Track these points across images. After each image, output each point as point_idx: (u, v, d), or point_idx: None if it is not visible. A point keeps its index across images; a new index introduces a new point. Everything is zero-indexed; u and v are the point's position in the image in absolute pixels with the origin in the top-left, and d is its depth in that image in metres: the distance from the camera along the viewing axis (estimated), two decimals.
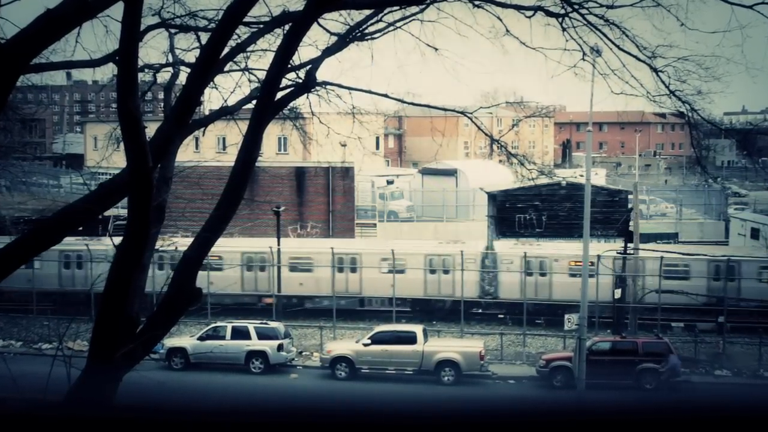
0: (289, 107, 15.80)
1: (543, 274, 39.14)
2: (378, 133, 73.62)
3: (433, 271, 39.97)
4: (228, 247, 37.67)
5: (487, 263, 41.12)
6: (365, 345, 32.96)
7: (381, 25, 14.17)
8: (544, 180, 33.47)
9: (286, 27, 11.65)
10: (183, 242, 16.26)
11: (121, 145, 8.67)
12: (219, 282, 36.99)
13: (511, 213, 47.69)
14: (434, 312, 40.42)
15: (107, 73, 20.25)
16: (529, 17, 13.19)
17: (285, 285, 40.62)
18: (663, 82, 13.64)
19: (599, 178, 68.72)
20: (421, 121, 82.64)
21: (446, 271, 39.83)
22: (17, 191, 58.71)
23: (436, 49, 14.89)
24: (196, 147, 47.30)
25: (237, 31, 11.50)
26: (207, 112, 17.51)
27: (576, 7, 12.86)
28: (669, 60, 13.50)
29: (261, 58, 15.50)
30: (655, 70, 13.53)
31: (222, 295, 37.24)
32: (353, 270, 40.38)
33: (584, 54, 13.72)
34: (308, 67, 13.47)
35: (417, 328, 33.80)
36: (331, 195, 51.04)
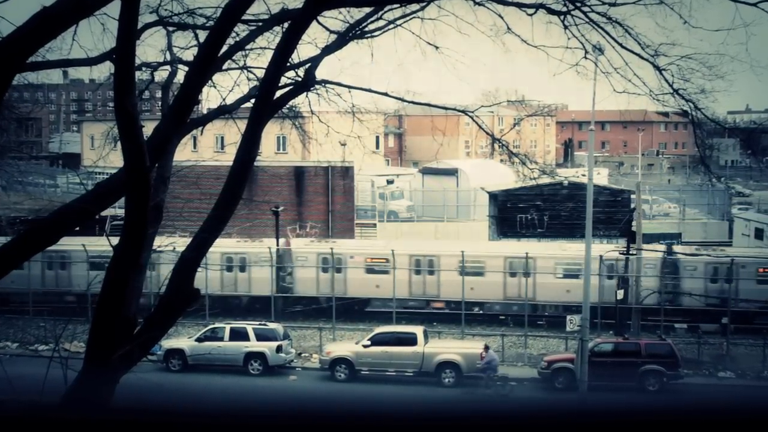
0: (288, 106, 15.80)
1: (339, 270, 40.66)
2: (378, 132, 73.65)
3: (230, 269, 41.18)
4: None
5: (285, 260, 41.97)
6: (365, 346, 32.97)
7: (381, 22, 14.18)
8: (545, 180, 33.42)
9: (285, 25, 11.65)
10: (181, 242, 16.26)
11: (118, 144, 8.65)
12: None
13: (513, 213, 47.71)
14: (232, 309, 41.12)
15: (104, 71, 20.30)
16: (531, 15, 13.18)
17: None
18: (666, 81, 13.63)
19: (601, 177, 68.73)
20: (421, 120, 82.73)
21: (243, 269, 41.51)
22: (13, 191, 58.69)
23: (437, 47, 14.89)
24: (194, 146, 47.30)
25: (235, 29, 11.50)
26: (205, 111, 17.54)
27: (578, 4, 12.86)
28: (672, 58, 13.50)
29: (260, 57, 15.51)
30: (658, 68, 13.52)
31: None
32: None
33: (586, 52, 13.71)
34: (307, 66, 13.47)
35: (417, 330, 33.81)
36: (330, 195, 51.03)
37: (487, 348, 32.19)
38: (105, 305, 9.21)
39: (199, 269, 10.64)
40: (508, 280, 39.66)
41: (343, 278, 40.60)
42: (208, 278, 35.85)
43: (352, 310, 40.94)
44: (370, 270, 40.92)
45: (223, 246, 37.40)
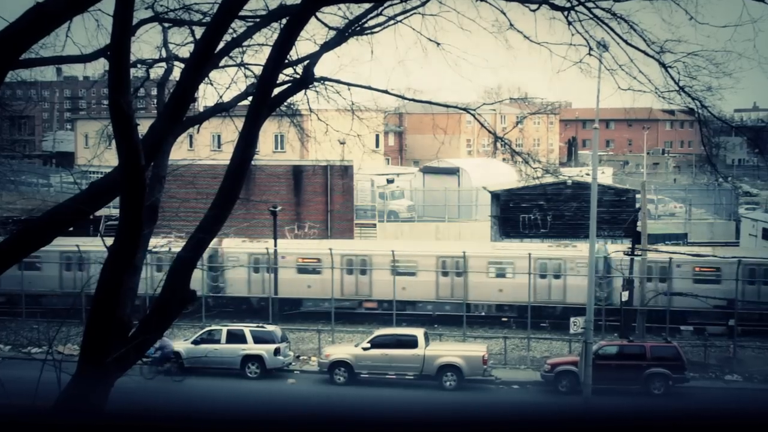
0: (286, 104, 15.81)
1: (268, 270, 41.39)
2: (378, 131, 73.62)
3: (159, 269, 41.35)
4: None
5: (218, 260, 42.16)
6: (365, 349, 32.96)
7: (381, 19, 14.18)
8: (549, 179, 33.50)
9: (284, 21, 11.65)
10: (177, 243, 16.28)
11: (113, 142, 8.65)
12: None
13: (516, 213, 47.68)
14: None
15: (99, 68, 20.29)
16: (534, 11, 13.17)
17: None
18: (672, 78, 13.63)
19: (606, 176, 68.75)
20: (422, 118, 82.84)
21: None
22: (6, 190, 58.75)
23: (438, 44, 14.90)
24: (190, 145, 47.28)
25: (232, 25, 11.51)
26: (201, 109, 17.54)
27: (582, 0, 12.86)
28: (678, 55, 13.49)
29: (257, 53, 15.52)
30: (663, 65, 13.51)
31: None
32: None
33: (591, 49, 13.71)
34: (306, 63, 13.47)
35: (418, 332, 33.80)
36: (329, 194, 51.03)
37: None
38: (99, 307, 9.22)
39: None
40: (441, 280, 40.21)
41: (275, 279, 40.89)
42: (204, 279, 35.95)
43: (283, 311, 41.24)
44: (302, 270, 41.42)
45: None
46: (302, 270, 41.42)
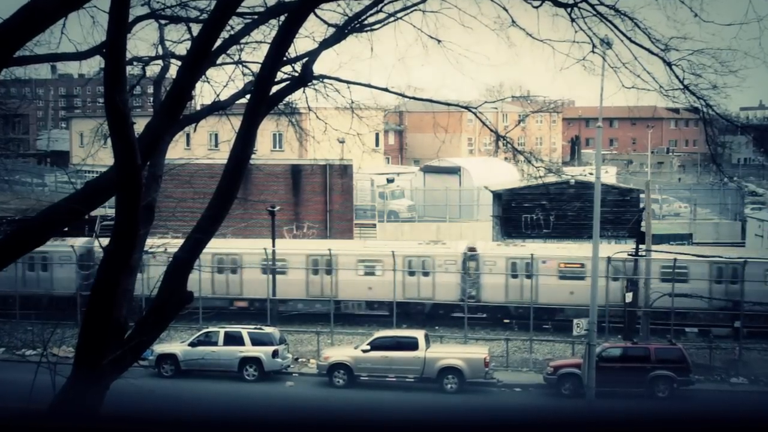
0: (284, 102, 15.80)
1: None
2: (378, 129, 73.65)
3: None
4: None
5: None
6: (364, 351, 32.97)
7: (381, 15, 14.16)
8: (551, 178, 33.47)
9: (282, 18, 11.65)
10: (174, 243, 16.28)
11: (109, 141, 8.65)
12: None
13: (518, 213, 47.71)
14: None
15: (94, 66, 20.27)
16: (536, 7, 13.17)
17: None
18: (676, 76, 13.62)
19: (609, 176, 68.76)
20: (422, 117, 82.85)
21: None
22: None
23: (439, 41, 14.89)
24: (187, 144, 47.31)
25: (230, 22, 11.50)
26: (198, 107, 17.51)
27: None
28: (683, 53, 13.48)
29: (255, 51, 15.51)
30: (668, 63, 13.51)
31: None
32: None
33: (594, 46, 13.71)
34: (305, 60, 13.47)
35: (419, 334, 33.81)
36: (328, 194, 51.03)
37: None
38: (95, 308, 9.22)
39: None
40: (310, 278, 40.73)
41: (146, 277, 40.71)
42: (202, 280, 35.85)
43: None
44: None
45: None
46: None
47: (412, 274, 40.08)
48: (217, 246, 41.74)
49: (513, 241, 44.44)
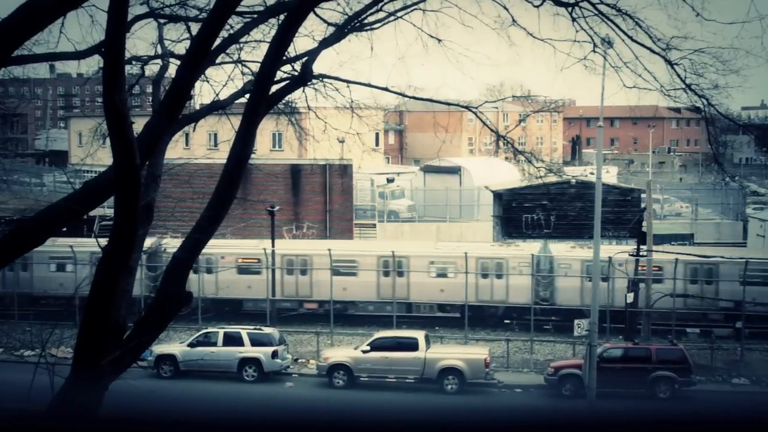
0: (284, 101, 15.80)
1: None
2: (378, 129, 73.64)
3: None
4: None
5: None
6: (364, 352, 32.97)
7: (381, 14, 14.16)
8: (552, 178, 33.44)
9: (281, 17, 11.64)
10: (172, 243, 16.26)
11: (107, 141, 8.64)
12: None
13: (518, 213, 47.70)
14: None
15: (93, 65, 20.22)
16: (537, 6, 13.17)
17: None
18: (678, 76, 13.63)
19: (611, 176, 68.76)
20: (423, 116, 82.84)
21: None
22: None
23: (440, 41, 14.88)
24: (186, 143, 47.31)
25: (229, 21, 11.50)
26: (198, 107, 17.52)
27: None
28: (684, 52, 13.48)
29: (255, 50, 15.50)
30: (669, 62, 13.52)
31: None
32: None
33: (595, 45, 13.71)
34: (304, 59, 13.46)
35: (419, 334, 33.81)
36: (328, 194, 51.04)
37: None
38: (93, 309, 9.21)
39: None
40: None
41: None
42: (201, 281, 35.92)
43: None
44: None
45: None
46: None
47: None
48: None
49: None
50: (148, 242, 40.57)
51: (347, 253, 41.59)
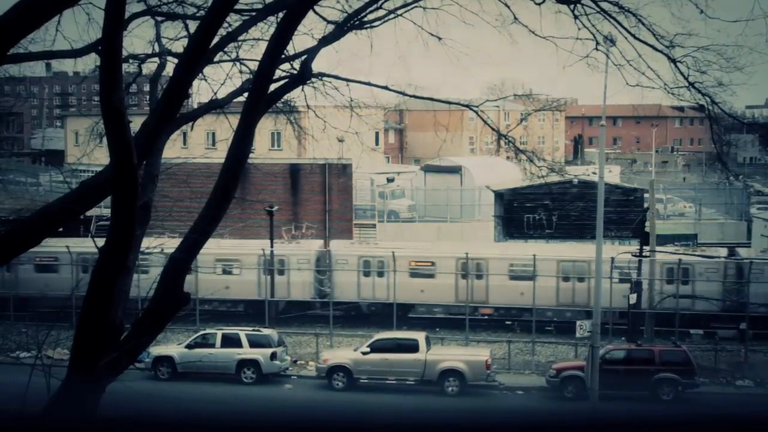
0: (282, 100, 15.81)
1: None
2: (378, 128, 73.66)
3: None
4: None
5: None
6: (364, 353, 32.96)
7: (381, 12, 14.17)
8: (554, 178, 33.39)
9: (280, 15, 11.65)
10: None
11: (104, 140, 8.65)
12: None
13: (520, 213, 47.67)
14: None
15: (89, 63, 20.25)
16: (539, 4, 13.19)
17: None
18: (681, 74, 13.64)
19: (613, 175, 68.65)
20: (423, 115, 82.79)
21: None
22: None
23: (440, 39, 14.89)
24: (184, 143, 47.21)
25: (228, 19, 11.51)
26: (195, 106, 17.54)
27: None
28: (688, 50, 13.49)
29: (253, 48, 15.50)
30: (673, 60, 13.52)
31: None
32: None
33: (597, 43, 13.72)
34: (303, 58, 13.47)
35: (419, 336, 33.80)
36: (327, 194, 51.01)
37: None
38: (90, 310, 9.22)
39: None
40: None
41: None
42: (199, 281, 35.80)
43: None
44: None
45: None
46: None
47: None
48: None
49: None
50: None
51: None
